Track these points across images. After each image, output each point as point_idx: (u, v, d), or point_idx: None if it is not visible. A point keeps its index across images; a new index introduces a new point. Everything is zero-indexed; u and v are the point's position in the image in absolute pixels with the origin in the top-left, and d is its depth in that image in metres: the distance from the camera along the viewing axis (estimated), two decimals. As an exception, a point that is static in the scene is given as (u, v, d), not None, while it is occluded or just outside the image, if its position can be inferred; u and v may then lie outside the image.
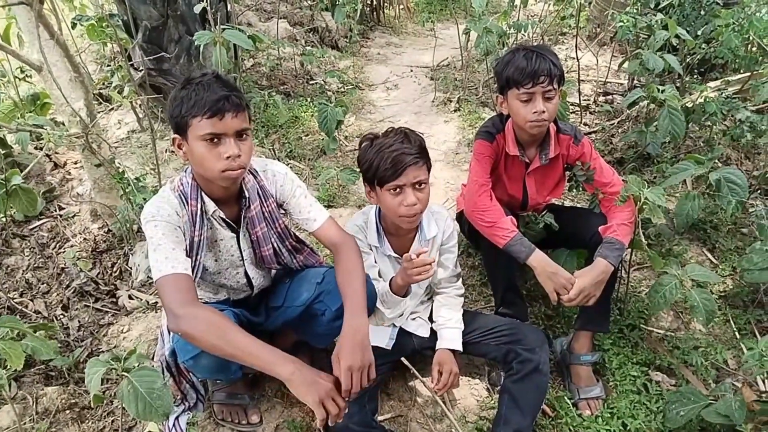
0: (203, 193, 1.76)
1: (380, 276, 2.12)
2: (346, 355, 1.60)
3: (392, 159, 1.83)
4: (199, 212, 1.74)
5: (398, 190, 1.87)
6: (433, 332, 2.23)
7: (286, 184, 1.92)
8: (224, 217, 1.82)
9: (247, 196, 1.82)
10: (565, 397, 2.18)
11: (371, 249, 2.13)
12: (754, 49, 3.65)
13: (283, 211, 1.98)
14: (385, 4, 6.84)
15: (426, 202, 1.94)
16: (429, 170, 1.96)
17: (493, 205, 2.17)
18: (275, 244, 1.95)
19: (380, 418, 2.13)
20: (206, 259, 1.85)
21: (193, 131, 1.62)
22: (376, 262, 2.13)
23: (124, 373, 1.60)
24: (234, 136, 1.63)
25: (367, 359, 1.62)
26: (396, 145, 1.85)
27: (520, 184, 2.37)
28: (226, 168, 1.63)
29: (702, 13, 3.89)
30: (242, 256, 1.94)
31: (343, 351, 1.61)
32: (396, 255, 2.12)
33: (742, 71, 3.75)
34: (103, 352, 2.41)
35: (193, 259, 1.75)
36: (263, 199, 1.87)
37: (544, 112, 2.06)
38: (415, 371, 2.17)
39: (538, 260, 2.06)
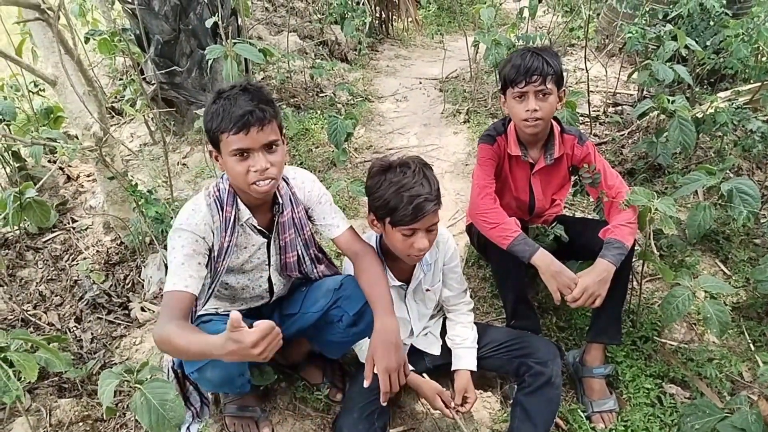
0: (239, 200, 1.79)
1: None
2: (382, 357, 1.66)
3: (414, 206, 1.74)
4: (232, 219, 1.78)
5: (411, 232, 1.82)
6: (445, 349, 2.22)
7: (314, 190, 1.96)
8: (256, 224, 1.85)
9: (281, 202, 1.86)
10: (579, 410, 2.17)
11: None
12: (763, 59, 3.64)
13: (308, 218, 2.01)
14: (394, 17, 6.87)
15: (434, 240, 1.90)
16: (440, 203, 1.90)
17: (496, 207, 2.18)
18: (300, 251, 1.98)
19: (392, 431, 2.13)
20: (233, 260, 1.88)
21: (224, 146, 1.65)
22: None
23: (136, 385, 1.60)
24: (262, 150, 1.65)
25: (402, 358, 1.68)
26: (417, 188, 1.75)
27: (526, 185, 2.38)
28: (256, 181, 1.67)
29: (711, 23, 3.88)
30: (269, 262, 1.97)
31: (378, 352, 1.67)
32: (400, 284, 2.10)
33: (752, 81, 3.73)
34: (115, 364, 2.42)
35: (220, 263, 1.79)
36: (294, 206, 1.91)
37: (537, 110, 2.09)
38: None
39: (542, 259, 2.05)
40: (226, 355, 1.38)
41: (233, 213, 1.78)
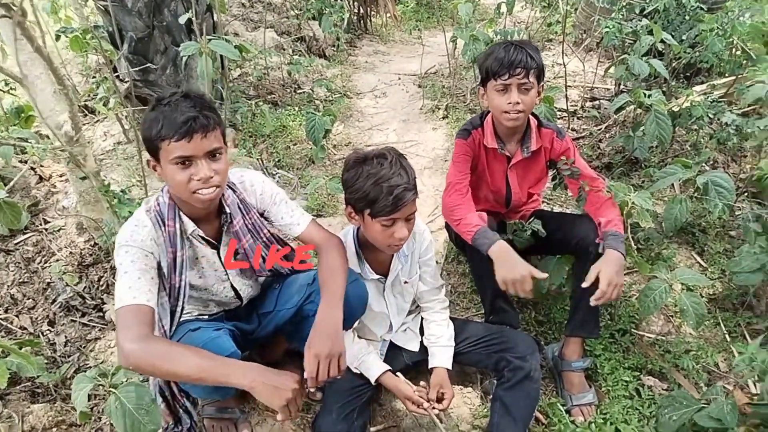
0: (181, 213, 1.74)
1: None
2: (315, 343, 1.65)
3: (394, 196, 1.75)
4: (177, 232, 1.71)
5: (391, 222, 1.81)
6: (422, 344, 2.22)
7: (265, 192, 1.91)
8: (203, 235, 1.80)
9: (228, 212, 1.80)
10: (558, 404, 2.17)
11: None
12: (738, 53, 3.68)
13: (265, 220, 1.97)
14: (372, 13, 6.85)
15: (412, 229, 1.92)
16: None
17: (462, 202, 2.19)
18: (263, 254, 1.94)
19: (373, 429, 2.12)
20: (191, 277, 1.83)
21: (164, 154, 1.59)
22: None
23: (111, 389, 1.58)
24: (205, 157, 1.61)
25: (336, 348, 1.65)
26: (395, 179, 1.76)
27: (503, 178, 2.39)
28: (198, 189, 1.62)
29: (686, 18, 3.91)
30: (226, 271, 1.92)
31: (313, 339, 1.66)
32: (378, 277, 2.09)
33: (727, 75, 3.77)
34: (90, 367, 2.37)
35: (177, 279, 1.73)
36: (245, 212, 1.85)
37: (519, 103, 2.09)
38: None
39: (497, 251, 2.02)
40: (257, 382, 1.48)
41: (176, 226, 1.71)
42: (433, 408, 2.00)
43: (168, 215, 1.71)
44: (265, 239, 1.94)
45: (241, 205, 1.84)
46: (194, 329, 1.80)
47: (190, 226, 1.75)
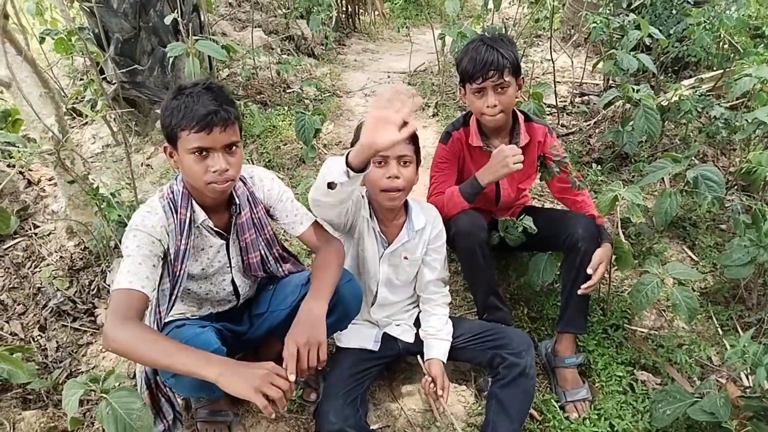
0: (194, 202, 1.77)
1: (361, 252, 2.12)
2: (294, 331, 1.66)
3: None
4: (187, 221, 1.74)
5: (382, 162, 1.87)
6: (418, 337, 2.21)
7: (273, 188, 1.94)
8: (212, 226, 1.82)
9: (238, 203, 1.83)
10: (552, 401, 2.18)
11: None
12: (725, 46, 3.70)
13: (270, 217, 1.99)
14: (361, 11, 6.83)
15: (409, 182, 1.96)
16: (417, 155, 2.02)
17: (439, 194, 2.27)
18: (263, 252, 1.96)
19: (374, 427, 2.11)
20: (192, 267, 1.85)
21: (182, 143, 1.63)
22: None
23: (102, 394, 1.56)
24: (222, 150, 1.65)
25: (314, 337, 1.66)
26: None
27: None
28: (213, 181, 1.65)
29: (674, 12, 3.93)
30: (230, 264, 1.94)
31: (293, 328, 1.67)
32: (382, 237, 2.11)
33: (715, 69, 3.79)
34: (82, 372, 2.35)
35: (179, 267, 1.75)
36: (253, 206, 1.89)
37: (496, 105, 2.11)
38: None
39: (480, 174, 2.15)
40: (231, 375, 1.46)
41: (188, 215, 1.75)
42: (441, 395, 2.01)
43: (181, 203, 1.74)
44: (267, 236, 1.96)
45: (250, 198, 1.88)
46: (179, 326, 1.82)
47: (201, 215, 1.78)
